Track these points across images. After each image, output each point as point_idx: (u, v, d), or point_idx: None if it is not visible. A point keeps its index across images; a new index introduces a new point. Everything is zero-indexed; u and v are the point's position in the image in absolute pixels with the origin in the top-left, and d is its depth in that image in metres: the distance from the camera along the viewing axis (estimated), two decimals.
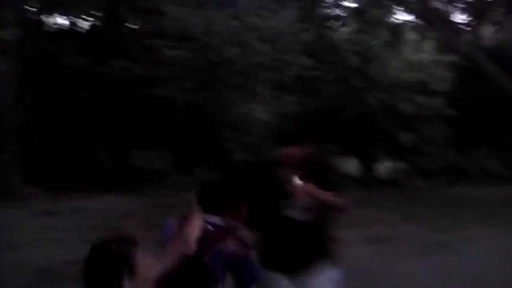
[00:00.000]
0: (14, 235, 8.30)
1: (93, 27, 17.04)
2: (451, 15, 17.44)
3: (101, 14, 16.94)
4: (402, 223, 10.53)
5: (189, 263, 2.92)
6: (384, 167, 17.52)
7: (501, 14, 17.73)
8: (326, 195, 3.89)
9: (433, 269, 7.30)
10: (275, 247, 3.92)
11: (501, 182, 15.77)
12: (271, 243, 3.94)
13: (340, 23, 17.72)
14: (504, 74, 15.86)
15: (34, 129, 14.12)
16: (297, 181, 3.87)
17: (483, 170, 16.52)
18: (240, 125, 14.91)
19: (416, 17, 16.45)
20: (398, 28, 17.17)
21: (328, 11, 17.39)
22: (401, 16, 17.12)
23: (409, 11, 16.12)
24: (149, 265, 2.66)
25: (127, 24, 17.08)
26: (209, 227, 3.13)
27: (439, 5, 16.63)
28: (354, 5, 16.94)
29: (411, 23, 17.29)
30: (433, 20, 15.49)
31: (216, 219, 3.20)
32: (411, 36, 17.36)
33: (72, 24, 16.97)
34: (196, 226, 2.96)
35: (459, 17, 17.72)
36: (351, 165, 17.93)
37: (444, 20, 16.28)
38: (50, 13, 16.52)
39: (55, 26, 16.96)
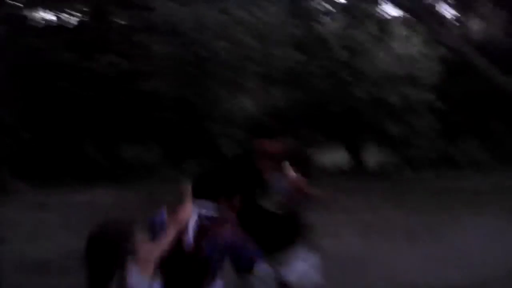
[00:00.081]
0: (5, 229, 8.26)
1: (80, 22, 16.95)
2: (440, 9, 17.57)
3: (88, 9, 16.86)
4: (392, 212, 10.59)
5: (187, 256, 2.95)
6: (374, 158, 17.60)
7: (489, 8, 17.88)
8: (307, 186, 4.10)
9: (423, 256, 7.39)
10: (251, 236, 4.02)
11: (489, 171, 15.91)
12: (248, 232, 4.03)
13: (329, 17, 17.78)
14: (492, 67, 15.99)
15: (22, 124, 14.05)
16: (290, 172, 4.00)
17: (471, 160, 16.63)
18: (229, 119, 14.91)
19: (405, 11, 16.51)
20: (387, 22, 17.26)
21: (316, 5, 17.41)
22: (390, 10, 17.24)
23: (397, 4, 16.17)
24: (149, 247, 2.67)
25: (115, 19, 17.03)
26: (204, 216, 3.16)
27: None
28: None
29: (399, 17, 17.38)
30: (421, 14, 15.55)
31: (210, 208, 3.22)
32: (399, 29, 17.40)
33: (59, 19, 16.87)
34: (189, 211, 2.99)
35: (448, 11, 17.88)
36: (340, 157, 18.02)
37: (433, 14, 16.36)
38: (37, 8, 16.42)
39: (42, 22, 16.85)
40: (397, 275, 6.50)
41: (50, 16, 16.90)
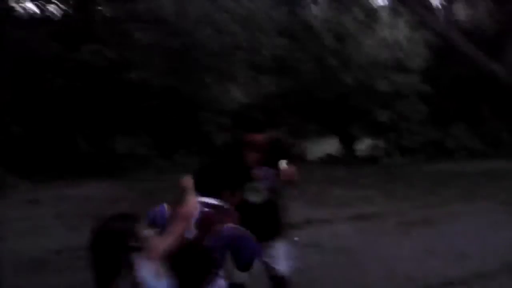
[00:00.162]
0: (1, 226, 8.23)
1: (64, 12, 16.78)
2: None
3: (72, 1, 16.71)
4: (384, 200, 10.61)
5: (190, 247, 2.95)
6: (364, 145, 17.64)
7: None
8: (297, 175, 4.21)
9: (417, 244, 7.40)
10: None
11: (479, 157, 16.08)
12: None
13: (313, 1, 17.72)
14: (477, 51, 16.08)
15: (12, 118, 13.94)
16: (284, 165, 4.10)
17: (461, 145, 16.72)
18: (218, 107, 14.86)
19: None
20: (372, 6, 17.25)
21: None
22: None
23: None
24: (158, 241, 2.68)
25: (98, 8, 16.89)
26: (207, 209, 3.16)
27: None
28: None
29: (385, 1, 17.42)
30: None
31: (213, 201, 3.23)
32: (385, 14, 17.38)
33: (43, 10, 16.69)
34: (195, 205, 3.00)
35: None
36: (331, 145, 18.05)
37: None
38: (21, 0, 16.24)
39: (27, 13, 16.66)
40: (392, 265, 6.52)
41: (34, 8, 16.73)
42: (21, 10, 16.50)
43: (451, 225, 8.47)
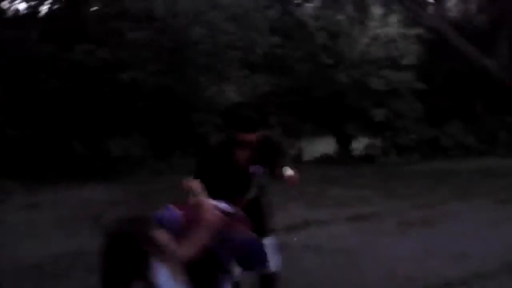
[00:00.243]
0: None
1: (54, 11, 16.66)
2: None
3: None
4: (382, 200, 10.60)
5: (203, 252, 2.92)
6: (360, 144, 17.62)
7: None
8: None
9: (416, 244, 7.39)
10: None
11: (475, 154, 16.12)
12: None
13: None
14: (470, 46, 16.14)
15: (6, 121, 13.84)
16: (289, 171, 4.18)
17: (456, 143, 16.73)
18: (213, 107, 14.84)
19: None
20: (363, 2, 17.25)
21: None
22: None
23: None
24: (174, 245, 2.65)
25: (89, 6, 16.79)
26: (223, 211, 3.15)
27: None
28: None
29: None
30: None
31: (224, 206, 3.22)
32: (376, 10, 17.39)
33: (32, 9, 16.56)
34: (213, 211, 2.96)
35: None
36: (327, 144, 18.02)
37: None
38: None
39: (18, 13, 16.54)
40: (391, 265, 6.54)
41: (22, 6, 16.61)
42: (13, 10, 16.40)
43: (450, 224, 8.47)
